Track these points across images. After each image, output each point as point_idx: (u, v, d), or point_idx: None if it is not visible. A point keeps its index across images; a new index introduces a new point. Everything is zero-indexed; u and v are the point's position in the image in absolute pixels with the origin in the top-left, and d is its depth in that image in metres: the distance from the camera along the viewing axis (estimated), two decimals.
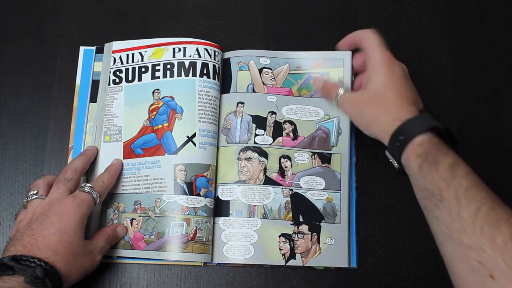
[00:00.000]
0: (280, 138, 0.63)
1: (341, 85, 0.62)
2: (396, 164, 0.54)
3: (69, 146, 0.63)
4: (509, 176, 0.67)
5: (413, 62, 0.70)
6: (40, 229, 0.50)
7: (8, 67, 0.67)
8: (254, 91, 0.64)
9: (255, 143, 0.62)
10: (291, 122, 0.63)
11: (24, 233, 0.50)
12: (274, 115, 0.63)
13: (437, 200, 0.47)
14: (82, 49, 0.67)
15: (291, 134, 0.63)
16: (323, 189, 0.62)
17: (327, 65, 0.64)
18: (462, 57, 0.70)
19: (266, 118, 0.63)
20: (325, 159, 0.63)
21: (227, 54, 0.66)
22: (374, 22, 0.71)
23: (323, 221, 0.61)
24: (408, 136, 0.51)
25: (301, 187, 0.62)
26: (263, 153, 0.62)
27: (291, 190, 0.61)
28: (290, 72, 0.65)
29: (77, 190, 0.55)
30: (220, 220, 0.61)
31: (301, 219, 0.61)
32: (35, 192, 0.56)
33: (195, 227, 0.58)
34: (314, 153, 0.63)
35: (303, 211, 0.61)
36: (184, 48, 0.63)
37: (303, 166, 0.62)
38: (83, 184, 0.55)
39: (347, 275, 0.62)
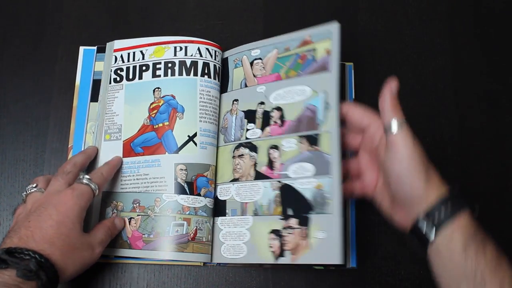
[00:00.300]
0: (268, 128, 0.60)
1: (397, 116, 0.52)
2: (427, 238, 0.49)
3: (69, 146, 0.63)
4: (509, 176, 0.67)
5: (413, 62, 0.70)
6: (37, 221, 0.49)
7: (8, 67, 0.67)
8: (246, 85, 0.63)
9: (246, 138, 0.61)
10: (278, 109, 0.60)
11: (21, 225, 0.49)
12: (262, 105, 0.61)
13: (478, 283, 0.45)
14: (82, 49, 0.67)
15: (278, 121, 0.59)
16: (312, 175, 0.56)
17: (314, 41, 0.60)
18: (462, 57, 0.70)
19: (256, 111, 0.62)
20: (313, 140, 0.57)
21: (225, 54, 0.66)
22: (374, 22, 0.71)
23: (312, 212, 0.55)
24: (454, 210, 0.48)
25: (289, 177, 0.57)
26: (253, 148, 0.61)
27: (280, 182, 0.58)
28: (278, 56, 0.62)
29: (75, 182, 0.54)
30: (219, 220, 0.61)
31: (290, 213, 0.56)
32: (34, 185, 0.55)
33: (195, 227, 0.58)
34: (301, 137, 0.58)
35: (292, 204, 0.57)
36: (186, 47, 0.63)
37: (291, 153, 0.58)
38: (81, 176, 0.55)
39: (347, 275, 0.62)
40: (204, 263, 0.60)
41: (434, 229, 0.48)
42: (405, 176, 0.50)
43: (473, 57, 0.71)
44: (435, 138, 0.67)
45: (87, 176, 0.54)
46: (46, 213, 0.50)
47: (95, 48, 0.67)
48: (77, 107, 0.65)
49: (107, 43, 0.66)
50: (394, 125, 0.51)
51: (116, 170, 0.61)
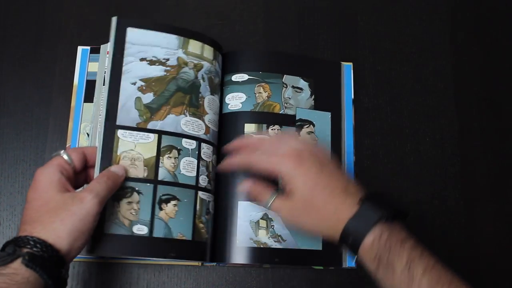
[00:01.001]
0: None
1: (271, 190, 0.54)
2: (354, 260, 0.51)
3: (67, 145, 0.63)
4: (509, 176, 0.67)
5: (413, 62, 0.70)
6: (22, 213, 0.47)
7: (8, 67, 0.67)
8: None
9: None
10: None
11: None
12: None
13: None
14: (80, 49, 0.67)
15: None
16: None
17: None
18: (462, 57, 0.70)
19: None
20: None
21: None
22: (374, 22, 0.71)
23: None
24: (357, 238, 0.47)
25: None
26: None
27: None
28: None
29: None
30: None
31: None
32: None
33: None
34: None
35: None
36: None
37: None
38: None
39: (346, 275, 0.62)
40: (202, 263, 0.60)
41: (352, 251, 0.49)
42: (308, 225, 0.52)
43: (473, 57, 0.71)
44: (435, 138, 0.67)
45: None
46: (26, 202, 0.48)
47: (89, 48, 0.66)
48: (75, 108, 0.65)
49: (101, 46, 0.65)
50: (268, 204, 0.53)
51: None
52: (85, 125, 0.63)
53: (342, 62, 0.68)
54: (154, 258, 0.59)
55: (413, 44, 0.71)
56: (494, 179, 0.67)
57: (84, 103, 0.64)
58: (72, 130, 0.64)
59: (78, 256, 0.54)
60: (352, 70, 0.68)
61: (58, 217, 0.45)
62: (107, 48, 0.60)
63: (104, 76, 0.57)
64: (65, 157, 0.50)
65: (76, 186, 0.51)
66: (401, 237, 0.47)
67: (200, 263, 0.61)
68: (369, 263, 0.48)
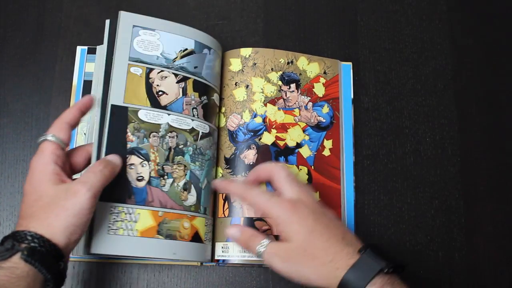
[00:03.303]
0: None
1: (264, 236, 0.52)
2: None
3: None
4: (509, 175, 0.67)
5: (413, 62, 0.70)
6: (20, 207, 0.47)
7: (8, 67, 0.67)
8: None
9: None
10: None
11: None
12: None
13: None
14: (79, 48, 0.67)
15: None
16: None
17: None
18: (462, 57, 0.70)
19: None
20: None
21: None
22: (374, 22, 0.71)
23: None
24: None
25: None
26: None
27: None
28: None
29: None
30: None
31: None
32: None
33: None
34: None
35: None
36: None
37: None
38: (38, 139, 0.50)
39: None
40: (202, 263, 0.60)
41: None
42: (303, 272, 0.48)
43: (473, 57, 0.71)
44: (435, 138, 0.67)
45: (43, 134, 0.50)
46: (23, 195, 0.47)
47: (86, 48, 0.66)
48: None
49: (97, 47, 0.64)
50: (260, 250, 0.50)
51: (84, 111, 0.53)
52: (83, 125, 0.63)
53: (342, 62, 0.68)
54: (155, 258, 0.59)
55: (413, 44, 0.71)
56: (494, 179, 0.67)
57: None
58: None
59: (78, 256, 0.54)
60: (352, 70, 0.68)
61: (53, 212, 0.45)
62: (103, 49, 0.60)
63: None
64: (55, 140, 0.49)
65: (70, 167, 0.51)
66: (398, 286, 0.46)
67: (199, 263, 0.61)
68: None
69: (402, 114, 0.68)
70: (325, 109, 0.65)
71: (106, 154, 0.53)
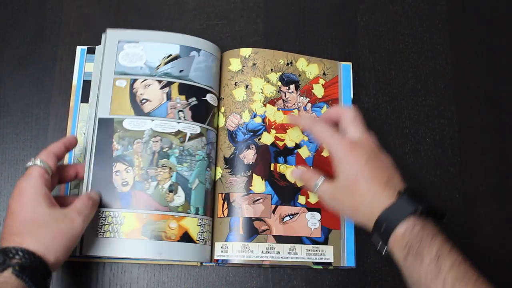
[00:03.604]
0: None
1: (319, 175, 0.57)
2: (383, 252, 0.52)
3: None
4: (509, 175, 0.67)
5: (413, 62, 0.70)
6: (4, 224, 0.49)
7: (8, 67, 0.67)
8: None
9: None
10: None
11: None
12: None
13: None
14: (78, 48, 0.67)
15: None
16: None
17: None
18: (462, 57, 0.70)
19: None
20: None
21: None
22: (374, 22, 0.71)
23: None
24: (390, 226, 0.50)
25: None
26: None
27: None
28: None
29: None
30: None
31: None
32: None
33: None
34: None
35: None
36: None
37: None
38: (27, 162, 0.53)
39: (347, 275, 0.62)
40: (201, 263, 0.60)
41: (382, 241, 0.51)
42: (346, 210, 0.56)
43: (473, 57, 0.71)
44: (435, 138, 0.67)
45: (33, 158, 0.52)
46: (8, 212, 0.49)
47: (85, 48, 0.66)
48: (74, 107, 0.64)
49: (96, 47, 0.64)
50: (316, 187, 0.57)
51: (68, 148, 0.56)
52: (82, 126, 0.63)
53: (342, 62, 0.68)
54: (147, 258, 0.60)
55: (413, 44, 0.71)
56: (494, 179, 0.67)
57: (81, 104, 0.64)
58: (70, 131, 0.64)
59: (78, 256, 0.55)
60: (351, 70, 0.68)
61: (50, 233, 0.48)
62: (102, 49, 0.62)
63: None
64: (43, 165, 0.52)
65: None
66: (433, 231, 0.49)
67: (199, 263, 0.61)
68: (398, 252, 0.50)
69: (402, 114, 0.68)
70: (324, 110, 0.65)
71: (95, 163, 0.58)
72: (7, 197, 0.63)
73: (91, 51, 0.66)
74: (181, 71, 0.61)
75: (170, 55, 0.62)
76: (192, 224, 0.58)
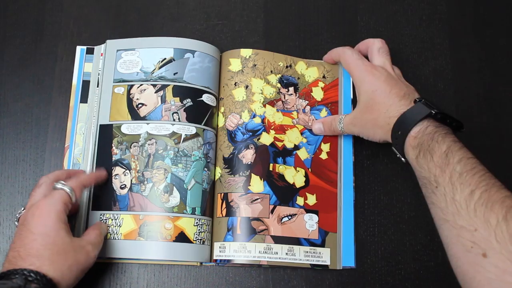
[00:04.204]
0: None
1: (337, 115, 0.63)
2: (403, 159, 0.55)
3: (65, 145, 0.63)
4: (509, 175, 0.67)
5: (413, 62, 0.70)
6: (20, 240, 0.49)
7: (8, 67, 0.67)
8: None
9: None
10: None
11: (10, 249, 0.49)
12: None
13: (433, 187, 0.49)
14: (78, 48, 0.67)
15: None
16: None
17: None
18: (462, 57, 0.70)
19: None
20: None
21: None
22: (374, 22, 0.71)
23: None
24: (404, 130, 0.53)
25: None
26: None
27: None
28: None
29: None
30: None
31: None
32: (22, 209, 0.55)
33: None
34: None
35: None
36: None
37: None
38: (56, 183, 0.53)
39: (347, 275, 0.62)
40: (201, 262, 0.60)
41: (399, 144, 0.53)
42: (365, 130, 0.59)
43: (473, 57, 0.70)
44: None
45: (61, 181, 0.53)
46: (26, 229, 0.49)
47: (85, 48, 0.67)
48: (74, 107, 0.65)
49: (95, 47, 0.65)
50: (341, 126, 0.61)
51: (99, 182, 0.59)
52: (81, 126, 0.64)
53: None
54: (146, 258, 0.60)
55: (413, 44, 0.71)
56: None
57: (80, 104, 0.65)
58: (70, 130, 0.64)
59: None
60: None
61: (67, 262, 0.49)
62: (101, 50, 0.64)
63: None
64: (71, 194, 0.53)
65: None
66: (445, 131, 0.51)
67: (199, 263, 0.61)
68: (411, 152, 0.52)
69: None
70: (323, 113, 0.65)
71: (96, 167, 0.60)
72: (7, 197, 0.63)
73: (90, 51, 0.66)
74: (175, 73, 0.62)
75: (164, 59, 0.63)
76: (189, 224, 0.58)
